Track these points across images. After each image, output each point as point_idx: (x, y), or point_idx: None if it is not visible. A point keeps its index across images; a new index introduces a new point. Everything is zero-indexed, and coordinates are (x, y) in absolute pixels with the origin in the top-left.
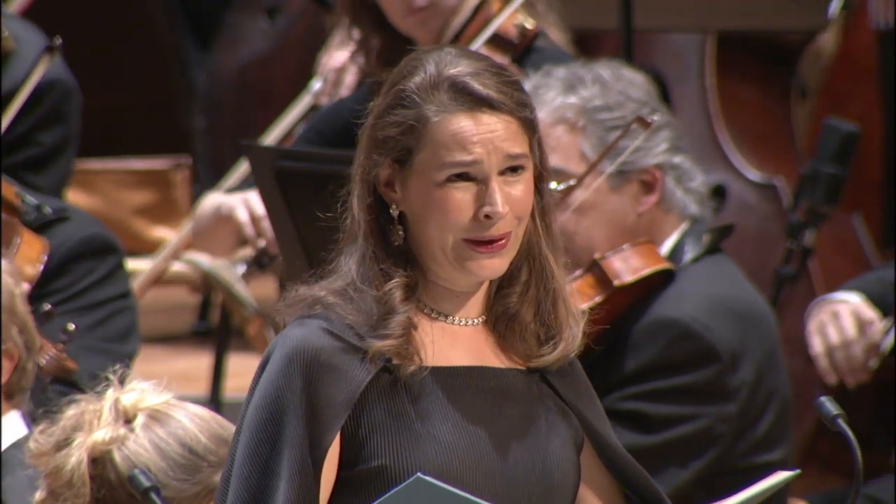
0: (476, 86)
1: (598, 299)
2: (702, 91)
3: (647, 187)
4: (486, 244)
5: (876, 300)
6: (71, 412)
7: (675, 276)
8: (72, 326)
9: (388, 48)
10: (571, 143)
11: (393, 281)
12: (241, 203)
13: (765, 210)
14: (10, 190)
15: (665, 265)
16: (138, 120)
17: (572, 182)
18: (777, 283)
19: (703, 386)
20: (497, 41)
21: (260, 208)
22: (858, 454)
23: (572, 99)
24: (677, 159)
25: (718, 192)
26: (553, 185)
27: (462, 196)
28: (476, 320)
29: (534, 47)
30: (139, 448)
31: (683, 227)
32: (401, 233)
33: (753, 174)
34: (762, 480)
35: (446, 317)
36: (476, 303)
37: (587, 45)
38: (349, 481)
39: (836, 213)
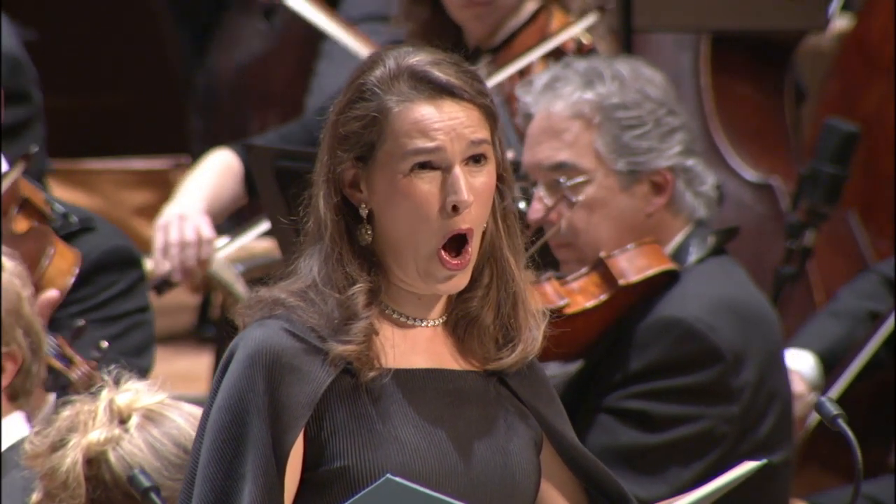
0: (436, 73)
1: (602, 298)
2: (697, 90)
3: (658, 188)
4: (455, 259)
5: (830, 353)
6: (66, 413)
7: (679, 276)
8: (105, 344)
9: (437, 24)
10: (586, 140)
11: (357, 286)
12: (161, 228)
13: (761, 210)
14: (40, 196)
15: (670, 265)
16: (138, 120)
17: (583, 178)
18: (777, 284)
19: (707, 386)
20: (556, 56)
21: (175, 234)
22: (858, 454)
23: (589, 94)
24: (690, 162)
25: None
26: (565, 180)
27: (428, 188)
28: (436, 322)
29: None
30: (134, 448)
31: (688, 228)
32: (369, 233)
33: (750, 174)
34: (728, 471)
35: (407, 318)
36: (437, 306)
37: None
38: (313, 482)
39: (834, 212)
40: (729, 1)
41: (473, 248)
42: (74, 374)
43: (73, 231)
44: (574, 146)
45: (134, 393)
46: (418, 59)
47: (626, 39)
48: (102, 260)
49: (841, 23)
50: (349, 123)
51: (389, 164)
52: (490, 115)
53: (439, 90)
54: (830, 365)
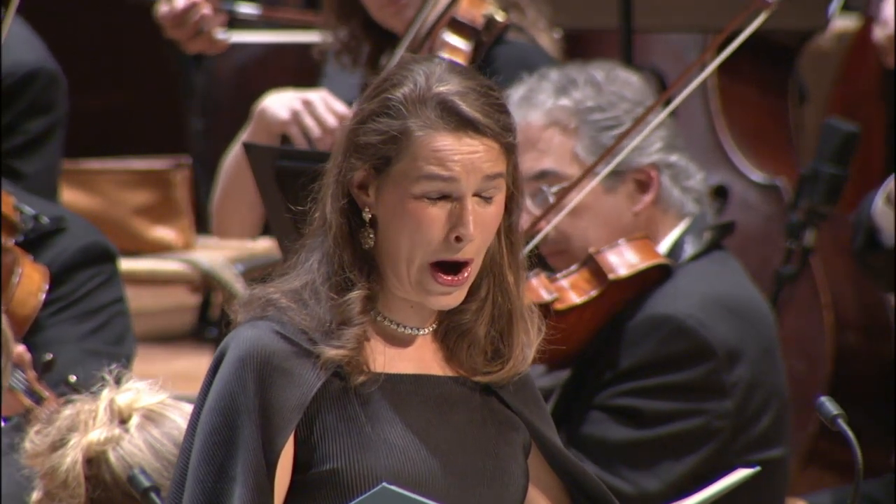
0: (463, 107)
1: (593, 294)
2: (703, 91)
3: (643, 186)
4: (450, 276)
5: None
6: (66, 412)
7: (672, 271)
8: (73, 378)
9: (377, 51)
10: (564, 145)
11: (354, 291)
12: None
13: (767, 210)
14: (9, 203)
15: (661, 260)
16: (138, 120)
17: (566, 184)
18: (777, 284)
19: (698, 383)
20: (459, 26)
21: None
22: (858, 454)
23: (564, 101)
24: (673, 157)
25: (721, 193)
26: (555, 188)
27: (436, 213)
28: (426, 330)
29: (504, 40)
30: (134, 448)
31: (683, 224)
32: (371, 237)
33: (756, 175)
34: (721, 479)
35: (398, 325)
36: (430, 314)
37: (587, 46)
38: (304, 484)
39: (837, 213)
40: (729, 1)
41: (473, 270)
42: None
43: (46, 233)
44: (554, 153)
45: (134, 393)
46: (448, 86)
47: (627, 39)
48: (77, 258)
49: (841, 23)
50: (369, 134)
51: (402, 182)
52: (510, 151)
53: (464, 124)
54: None
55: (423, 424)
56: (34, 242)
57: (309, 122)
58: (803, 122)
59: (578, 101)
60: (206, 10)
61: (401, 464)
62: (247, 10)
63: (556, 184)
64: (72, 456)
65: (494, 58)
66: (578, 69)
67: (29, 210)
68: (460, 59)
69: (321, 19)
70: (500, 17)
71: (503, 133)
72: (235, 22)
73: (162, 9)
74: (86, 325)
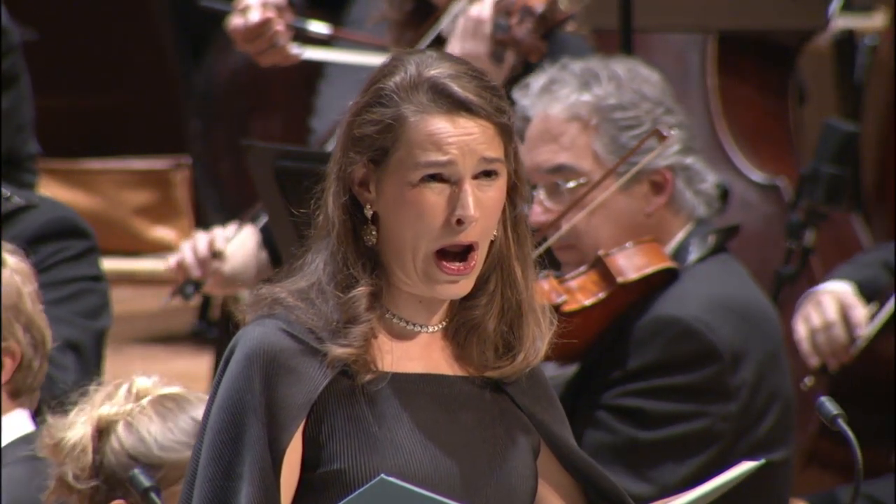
0: (455, 88)
1: (601, 296)
2: (703, 91)
3: (657, 188)
4: (454, 263)
5: (866, 286)
6: (79, 407)
7: (678, 275)
8: None
9: (421, 12)
10: (584, 142)
11: (359, 288)
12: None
13: (767, 210)
14: None
15: (669, 264)
16: (138, 120)
17: (582, 180)
18: (777, 284)
19: (704, 385)
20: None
21: (203, 245)
22: (858, 454)
23: (586, 96)
24: (689, 160)
25: (722, 193)
26: (571, 183)
27: (436, 198)
28: (435, 327)
29: (562, 29)
30: (144, 417)
31: (689, 227)
32: (374, 233)
33: (756, 174)
34: (727, 471)
35: (406, 323)
36: (439, 312)
37: None
38: (311, 483)
39: (837, 213)
40: (729, 1)
41: (479, 257)
42: None
43: (15, 210)
44: (572, 149)
45: (155, 382)
46: (439, 70)
47: (627, 39)
48: (42, 231)
49: (841, 22)
50: (364, 126)
51: (400, 171)
52: (506, 133)
53: (457, 105)
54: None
55: (431, 424)
56: (2, 220)
57: None
58: (803, 122)
59: (600, 98)
60: (279, 25)
61: (407, 464)
62: (318, 28)
63: (572, 179)
64: (83, 425)
65: (558, 39)
66: (601, 63)
67: (4, 191)
68: None
69: (392, 43)
70: (563, 6)
71: (497, 113)
72: (305, 39)
73: (234, 21)
74: (54, 293)
